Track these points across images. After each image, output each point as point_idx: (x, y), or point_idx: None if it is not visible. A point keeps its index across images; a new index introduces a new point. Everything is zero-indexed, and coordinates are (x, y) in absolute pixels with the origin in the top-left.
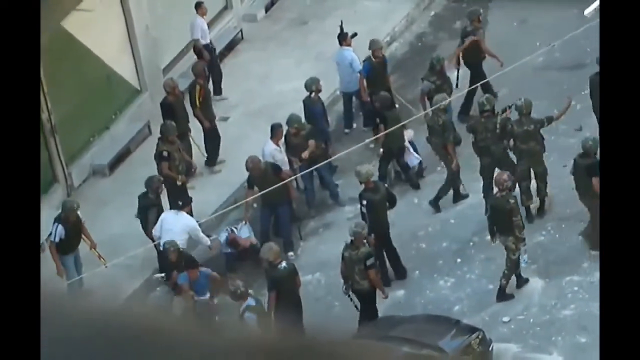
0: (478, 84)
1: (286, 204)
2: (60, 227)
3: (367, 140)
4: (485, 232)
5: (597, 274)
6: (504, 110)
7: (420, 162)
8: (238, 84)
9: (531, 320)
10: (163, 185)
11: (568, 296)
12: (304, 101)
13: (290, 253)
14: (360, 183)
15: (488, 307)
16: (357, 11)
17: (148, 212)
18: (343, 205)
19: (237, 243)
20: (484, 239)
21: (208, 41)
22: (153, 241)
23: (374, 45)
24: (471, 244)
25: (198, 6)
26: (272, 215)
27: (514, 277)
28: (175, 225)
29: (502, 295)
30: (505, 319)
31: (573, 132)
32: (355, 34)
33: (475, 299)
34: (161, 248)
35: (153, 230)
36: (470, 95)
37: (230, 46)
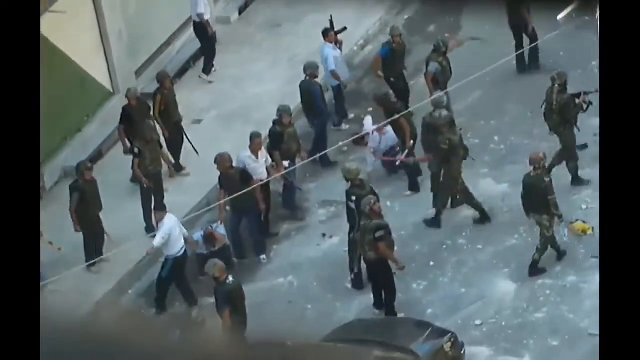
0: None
1: (254, 212)
2: None
3: (341, 143)
4: (458, 236)
5: (570, 278)
6: (579, 95)
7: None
8: (211, 86)
9: (503, 323)
10: (91, 171)
11: (540, 299)
12: (300, 85)
13: (263, 256)
14: (347, 181)
15: (461, 311)
16: (331, 14)
17: (72, 194)
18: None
19: (214, 238)
20: (457, 243)
21: (209, 17)
22: (84, 237)
23: (393, 31)
24: (444, 247)
25: None
26: (240, 221)
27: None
28: (177, 228)
29: (535, 270)
30: (478, 322)
31: (547, 136)
32: (344, 29)
33: (448, 303)
34: (165, 258)
35: (160, 239)
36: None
37: None
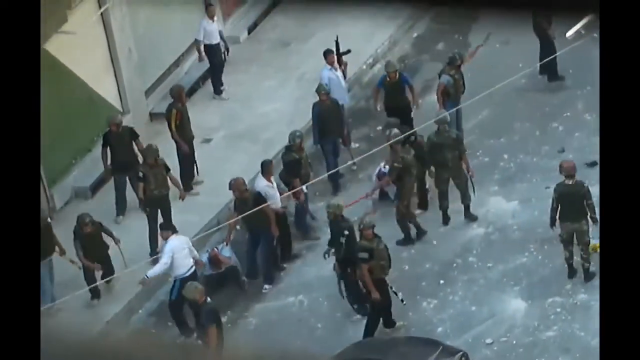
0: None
1: (267, 237)
2: None
3: (349, 162)
4: (468, 254)
5: (580, 296)
6: None
7: None
8: (220, 105)
9: (514, 342)
10: (90, 225)
11: (551, 318)
12: (312, 105)
13: (266, 286)
14: (330, 217)
15: (471, 329)
16: (339, 33)
17: (74, 242)
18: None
19: (219, 260)
20: (467, 261)
21: (213, 42)
22: (83, 267)
23: (388, 67)
24: (454, 265)
25: (206, 8)
26: (257, 243)
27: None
28: (184, 248)
29: (590, 277)
30: (489, 340)
31: (555, 154)
32: (348, 51)
33: (459, 321)
34: (173, 279)
35: (158, 267)
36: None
37: None
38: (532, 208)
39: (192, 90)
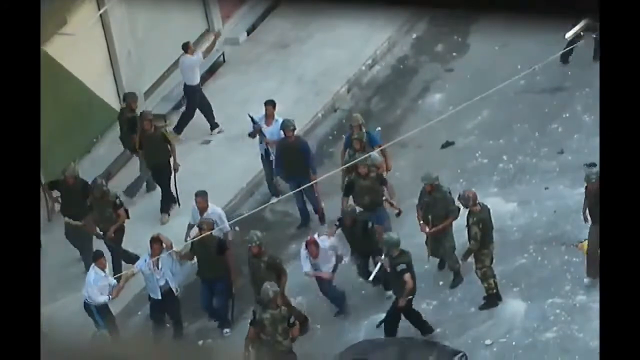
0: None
1: (223, 281)
2: None
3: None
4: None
5: (579, 297)
6: None
7: None
8: (219, 107)
9: (514, 343)
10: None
11: (550, 319)
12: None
13: (226, 330)
14: None
15: (470, 330)
16: (338, 34)
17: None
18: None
19: (159, 240)
20: (466, 262)
21: (193, 83)
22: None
23: (352, 121)
24: None
25: (185, 45)
26: (211, 290)
27: None
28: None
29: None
30: (488, 341)
31: (554, 155)
32: (250, 134)
33: (458, 322)
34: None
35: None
36: None
37: (212, 69)
38: (531, 209)
39: None
